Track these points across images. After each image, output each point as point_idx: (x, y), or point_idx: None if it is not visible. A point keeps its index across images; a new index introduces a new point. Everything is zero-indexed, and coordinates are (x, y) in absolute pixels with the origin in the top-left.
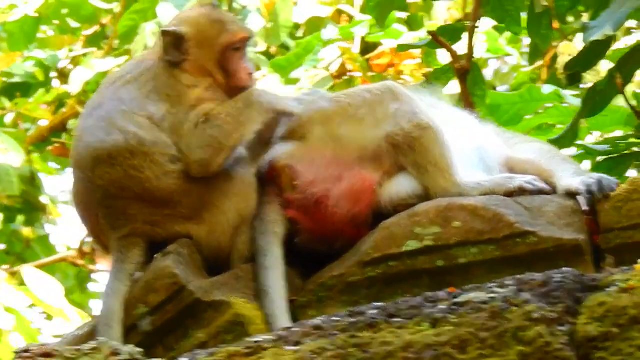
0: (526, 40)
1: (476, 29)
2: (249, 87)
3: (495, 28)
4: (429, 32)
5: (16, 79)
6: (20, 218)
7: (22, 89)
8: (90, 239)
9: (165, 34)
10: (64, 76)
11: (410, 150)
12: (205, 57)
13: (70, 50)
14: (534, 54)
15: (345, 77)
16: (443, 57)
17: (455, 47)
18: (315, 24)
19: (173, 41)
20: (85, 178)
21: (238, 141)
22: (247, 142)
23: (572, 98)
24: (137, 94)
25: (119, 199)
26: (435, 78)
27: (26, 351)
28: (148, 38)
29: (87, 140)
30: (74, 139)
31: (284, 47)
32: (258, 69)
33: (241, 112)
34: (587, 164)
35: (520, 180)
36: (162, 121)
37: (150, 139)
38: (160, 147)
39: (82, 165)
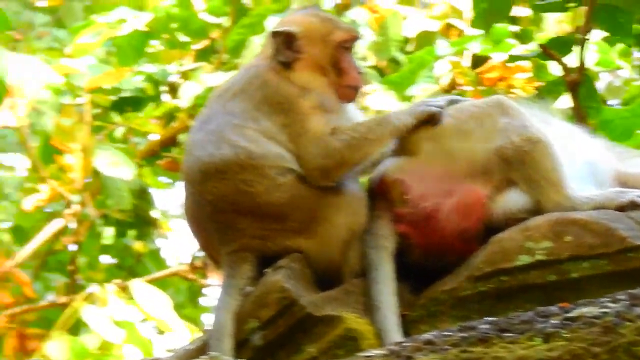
0: (637, 53)
1: (587, 41)
2: (360, 86)
3: (606, 40)
4: (540, 45)
5: (126, 94)
6: (131, 232)
7: (132, 104)
8: (201, 253)
9: (276, 34)
10: (173, 90)
11: (521, 164)
12: (319, 54)
13: (180, 65)
14: None
15: (456, 91)
16: (554, 70)
17: (566, 60)
18: (425, 38)
19: (285, 40)
20: (195, 192)
21: (363, 158)
22: (372, 160)
23: None
24: (247, 105)
25: (229, 213)
26: (546, 91)
27: None
28: (256, 51)
29: (197, 154)
30: (184, 153)
31: (394, 61)
32: (368, 83)
33: (371, 130)
34: None
35: (632, 195)
36: (277, 134)
37: (259, 152)
38: (270, 160)
39: (192, 179)
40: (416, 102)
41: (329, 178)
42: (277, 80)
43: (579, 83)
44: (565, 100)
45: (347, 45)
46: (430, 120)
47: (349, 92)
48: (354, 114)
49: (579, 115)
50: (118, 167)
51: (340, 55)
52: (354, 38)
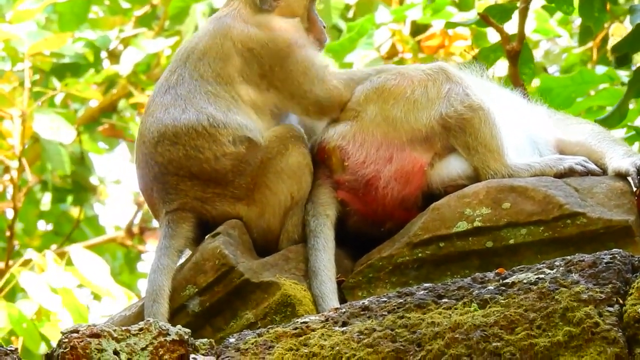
0: (577, 21)
1: (527, 10)
2: (325, 40)
3: (545, 8)
4: (479, 14)
5: (66, 60)
6: (69, 198)
7: (72, 70)
8: (138, 220)
9: None
10: (114, 57)
11: (461, 131)
12: (296, 3)
13: (121, 31)
14: (585, 35)
15: (396, 59)
16: (494, 38)
17: (505, 27)
18: (365, 5)
19: None
20: (147, 152)
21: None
22: None
23: (627, 79)
24: (218, 64)
25: (174, 175)
26: (483, 57)
27: (75, 331)
28: (199, 19)
29: (159, 115)
30: (144, 113)
31: (335, 29)
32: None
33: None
34: (637, 146)
35: (570, 162)
36: (253, 92)
37: (223, 120)
38: (230, 129)
39: (146, 139)
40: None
41: (325, 114)
42: (248, 27)
43: (518, 51)
44: (503, 68)
45: None
46: None
47: (316, 44)
48: None
49: (517, 83)
50: (58, 131)
51: (312, 6)
52: None
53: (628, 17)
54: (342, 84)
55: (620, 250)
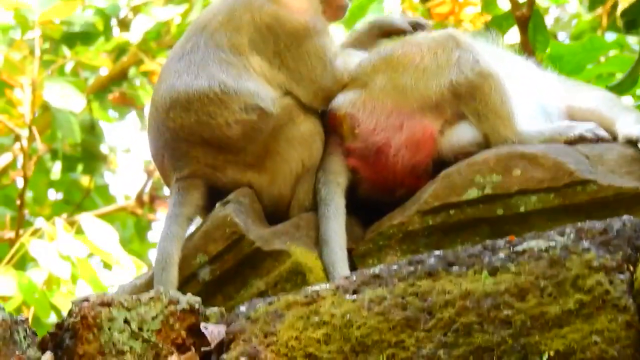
0: None
1: None
2: (348, 5)
3: None
4: None
5: (76, 28)
6: (79, 167)
7: (82, 38)
8: (148, 188)
9: None
10: (124, 25)
11: (471, 98)
12: None
13: None
14: (594, 1)
15: None
16: (503, 3)
17: None
18: None
19: None
20: (159, 118)
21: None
22: None
23: (637, 46)
24: (234, 36)
25: (185, 142)
26: (495, 25)
27: (86, 300)
28: None
29: (172, 81)
30: (158, 79)
31: None
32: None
33: (350, 57)
34: None
35: (580, 128)
36: (264, 65)
37: (234, 87)
38: (242, 96)
39: (159, 105)
40: None
41: (327, 100)
42: (268, 4)
43: (528, 18)
44: (514, 35)
45: None
46: None
47: (338, 12)
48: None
49: (527, 50)
50: (68, 100)
51: None
52: None
53: None
54: (347, 71)
55: (631, 217)
